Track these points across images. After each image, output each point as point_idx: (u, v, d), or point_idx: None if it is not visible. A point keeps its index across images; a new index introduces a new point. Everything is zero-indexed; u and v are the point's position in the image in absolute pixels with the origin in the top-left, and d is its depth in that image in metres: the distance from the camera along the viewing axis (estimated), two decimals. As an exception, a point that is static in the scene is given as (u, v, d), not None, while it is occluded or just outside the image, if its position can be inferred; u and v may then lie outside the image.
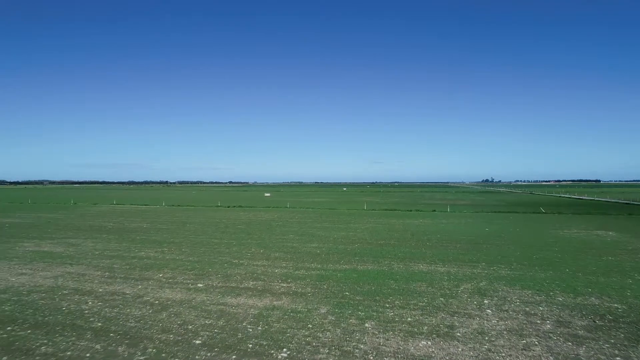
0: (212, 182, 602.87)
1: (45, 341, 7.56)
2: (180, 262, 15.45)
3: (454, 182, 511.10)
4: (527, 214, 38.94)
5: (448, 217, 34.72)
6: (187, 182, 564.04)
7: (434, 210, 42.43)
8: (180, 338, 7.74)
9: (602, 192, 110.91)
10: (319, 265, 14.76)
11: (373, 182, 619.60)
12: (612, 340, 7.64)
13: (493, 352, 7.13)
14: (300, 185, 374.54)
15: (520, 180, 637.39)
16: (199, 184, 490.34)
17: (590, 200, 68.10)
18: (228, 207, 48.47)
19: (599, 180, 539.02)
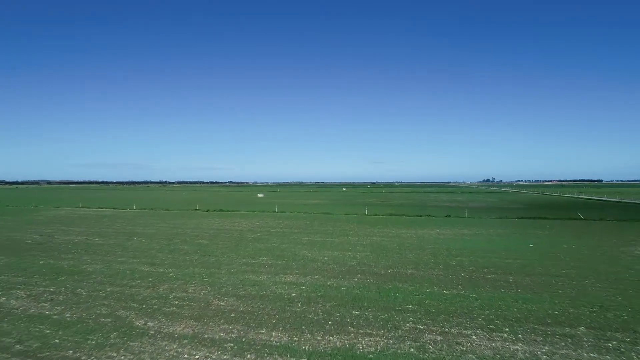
0: (212, 182, 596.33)
1: None
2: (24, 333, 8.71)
3: (455, 182, 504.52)
4: (562, 220, 32.19)
5: (469, 226, 27.95)
6: (187, 183, 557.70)
7: (449, 216, 35.66)
8: None
9: (617, 192, 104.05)
10: (284, 343, 8.01)
11: (373, 182, 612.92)
12: None
13: None
14: (300, 185, 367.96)
15: (521, 180, 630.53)
16: (199, 184, 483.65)
17: (616, 202, 61.33)
18: (207, 211, 41.72)
19: (601, 180, 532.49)
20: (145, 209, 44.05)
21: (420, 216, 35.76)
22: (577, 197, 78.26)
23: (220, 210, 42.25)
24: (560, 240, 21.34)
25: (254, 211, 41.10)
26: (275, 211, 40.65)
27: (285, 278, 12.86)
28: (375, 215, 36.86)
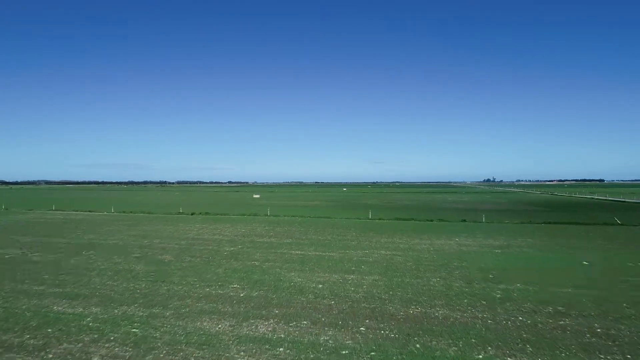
0: (211, 182, 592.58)
1: None
2: None
3: (456, 182, 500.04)
4: (597, 225, 27.82)
5: (493, 234, 23.60)
6: (187, 183, 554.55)
7: (464, 220, 31.27)
8: None
9: (630, 192, 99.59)
10: None
11: (374, 182, 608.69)
12: None
13: None
14: (299, 185, 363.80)
15: (522, 180, 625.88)
16: (198, 184, 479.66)
17: (636, 203, 56.94)
18: (191, 214, 37.36)
19: (603, 180, 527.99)
20: (123, 212, 39.69)
21: (431, 220, 31.38)
22: (591, 198, 73.85)
23: (206, 213, 37.87)
24: (618, 254, 16.99)
25: (244, 215, 36.71)
26: (267, 215, 36.27)
27: (256, 328, 8.50)
28: (380, 219, 32.46)
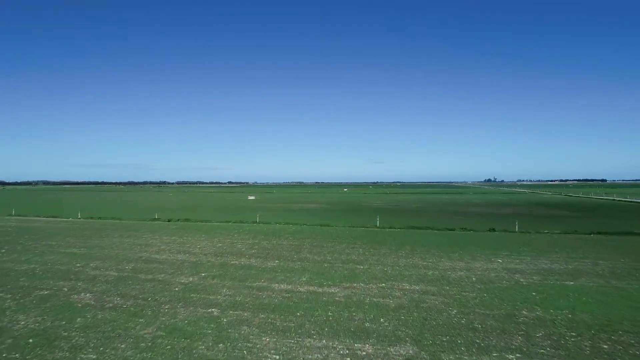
0: (212, 182, 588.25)
1: None
2: None
3: (457, 182, 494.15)
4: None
5: (545, 253, 18.10)
6: (187, 183, 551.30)
7: (493, 230, 25.75)
8: None
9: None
10: None
11: (374, 182, 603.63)
12: None
13: None
14: (299, 185, 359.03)
15: (523, 180, 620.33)
16: (198, 185, 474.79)
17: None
18: (168, 220, 31.85)
19: (605, 180, 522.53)
20: (91, 219, 34.20)
21: (453, 230, 25.87)
22: (612, 200, 68.29)
23: (186, 220, 32.35)
24: None
25: (228, 222, 31.19)
26: (256, 222, 30.75)
27: None
28: (391, 228, 26.95)
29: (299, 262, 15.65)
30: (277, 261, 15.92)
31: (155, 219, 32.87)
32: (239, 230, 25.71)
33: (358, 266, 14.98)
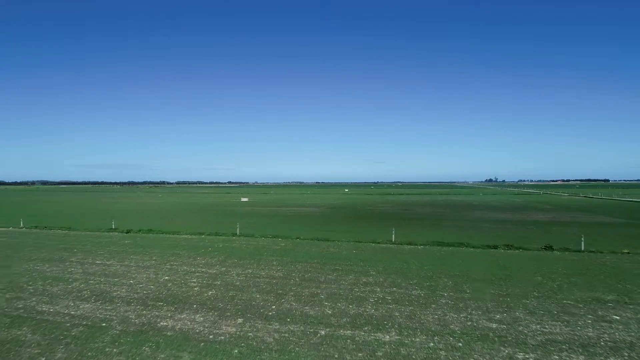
0: (212, 183, 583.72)
1: None
2: None
3: (458, 182, 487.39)
4: None
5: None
6: (186, 183, 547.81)
7: (550, 248, 19.08)
8: None
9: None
10: None
11: (375, 182, 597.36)
12: None
13: None
14: (299, 185, 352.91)
15: (524, 180, 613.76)
16: (198, 185, 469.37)
17: None
18: (126, 232, 25.28)
19: (608, 180, 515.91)
20: (35, 228, 27.63)
21: (495, 247, 19.26)
22: (637, 202, 61.61)
23: (149, 231, 25.73)
24: None
25: (202, 233, 24.59)
26: (235, 234, 24.16)
27: None
28: (411, 244, 20.34)
29: (277, 324, 9.07)
30: (239, 320, 9.34)
31: (111, 230, 26.27)
32: (208, 249, 19.13)
33: (381, 335, 8.39)
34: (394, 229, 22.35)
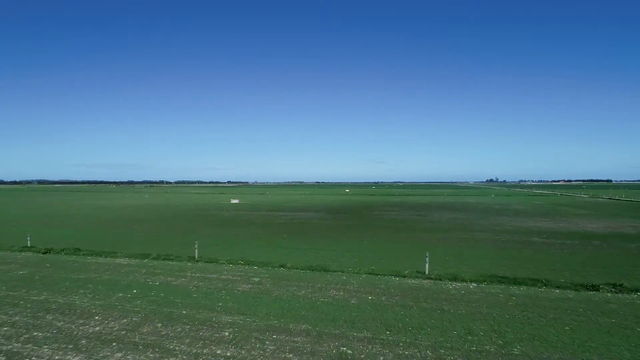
0: (211, 182, 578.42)
1: None
2: None
3: (459, 182, 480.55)
4: None
5: None
6: (186, 182, 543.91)
7: (685, 290, 11.80)
8: None
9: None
10: None
11: (375, 182, 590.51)
12: None
13: None
14: (299, 185, 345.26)
15: (526, 180, 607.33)
16: (197, 184, 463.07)
17: None
18: (43, 252, 17.99)
19: (611, 180, 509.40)
20: None
21: (597, 289, 12.00)
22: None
23: (75, 251, 18.39)
24: None
25: (145, 256, 17.25)
26: (193, 258, 16.84)
27: None
28: (455, 280, 13.05)
29: None
30: None
31: (26, 248, 18.94)
32: (133, 291, 11.81)
33: None
34: (428, 254, 14.90)
